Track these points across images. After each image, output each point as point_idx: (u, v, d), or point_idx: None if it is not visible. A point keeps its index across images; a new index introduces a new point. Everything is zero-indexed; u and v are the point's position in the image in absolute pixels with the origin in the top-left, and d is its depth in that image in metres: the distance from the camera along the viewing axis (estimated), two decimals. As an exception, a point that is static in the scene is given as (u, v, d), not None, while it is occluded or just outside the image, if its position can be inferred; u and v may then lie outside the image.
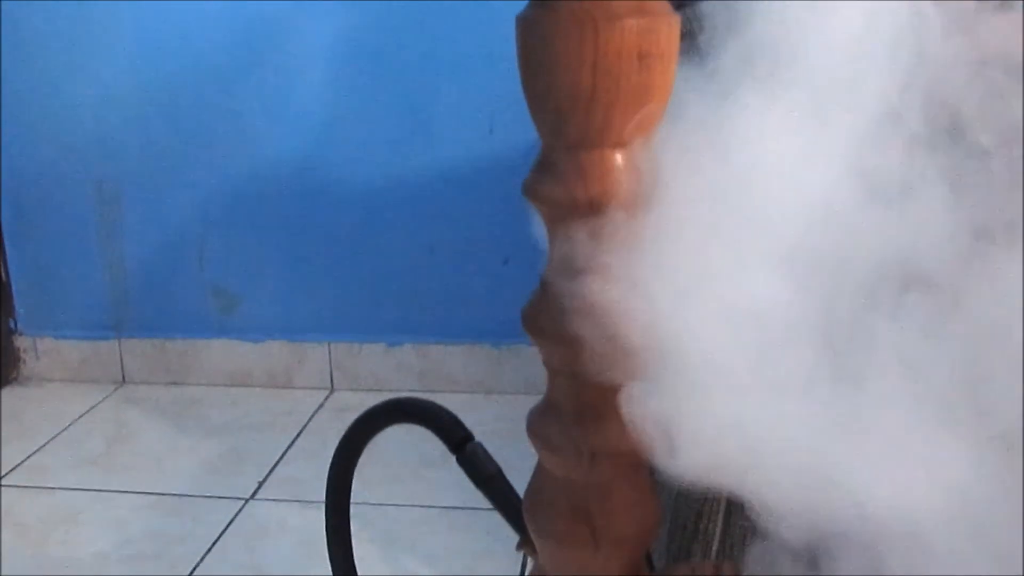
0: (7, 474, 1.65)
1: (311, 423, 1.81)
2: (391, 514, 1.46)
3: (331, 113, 1.86)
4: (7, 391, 2.03)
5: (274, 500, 1.53)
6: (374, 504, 1.47)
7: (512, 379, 1.85)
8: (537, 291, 0.50)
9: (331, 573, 0.80)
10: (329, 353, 1.96)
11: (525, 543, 0.59)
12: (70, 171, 1.97)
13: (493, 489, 0.62)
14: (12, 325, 2.08)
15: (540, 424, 0.53)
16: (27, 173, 1.99)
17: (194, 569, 1.35)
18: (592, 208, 0.46)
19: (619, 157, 0.46)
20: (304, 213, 1.91)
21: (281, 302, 1.96)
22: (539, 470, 0.55)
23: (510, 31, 0.47)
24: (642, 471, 0.52)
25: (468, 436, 0.63)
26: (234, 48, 1.85)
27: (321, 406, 1.88)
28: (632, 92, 0.45)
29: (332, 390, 1.95)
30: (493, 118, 1.80)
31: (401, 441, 1.65)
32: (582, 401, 0.51)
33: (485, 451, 0.63)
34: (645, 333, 0.47)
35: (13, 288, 2.07)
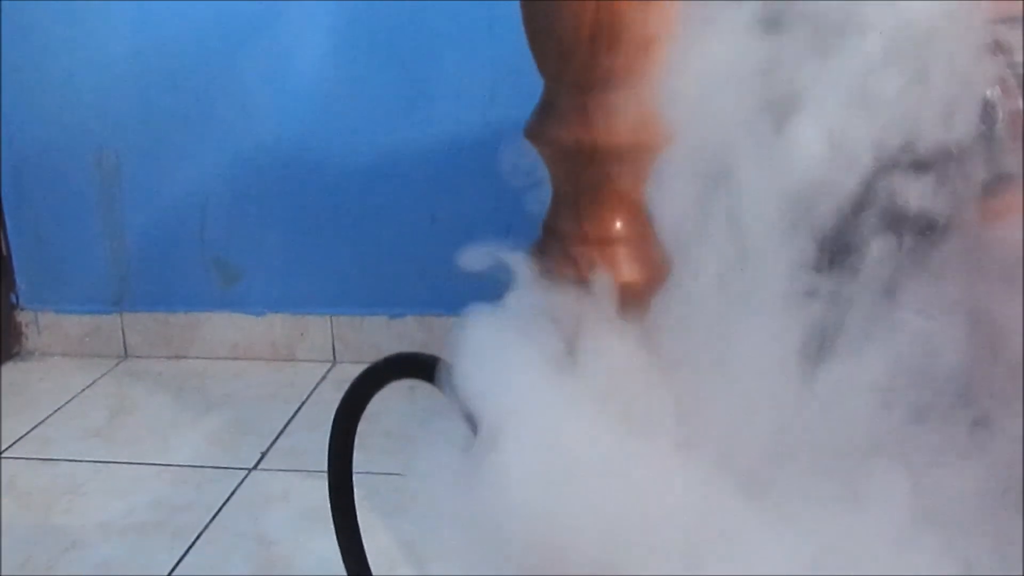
0: (11, 446, 1.65)
1: (313, 395, 1.81)
2: (394, 483, 1.46)
3: (331, 84, 1.85)
4: (9, 366, 2.03)
5: (277, 470, 1.53)
6: (377, 473, 1.47)
7: (514, 350, 1.85)
8: (541, 236, 0.50)
9: (335, 537, 0.80)
10: (331, 326, 1.96)
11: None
12: (69, 143, 1.96)
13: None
14: (13, 299, 2.08)
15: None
16: (26, 146, 1.98)
17: (197, 537, 1.35)
18: (595, 149, 0.45)
19: (623, 98, 0.45)
20: (305, 185, 1.90)
21: (283, 275, 1.96)
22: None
23: (510, -1, 0.47)
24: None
25: (470, 389, 0.62)
26: (233, 19, 1.83)
27: (324, 378, 1.88)
28: (635, 31, 0.44)
29: (334, 363, 1.95)
30: (494, 88, 1.79)
31: (404, 411, 1.66)
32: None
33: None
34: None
35: (14, 262, 2.06)
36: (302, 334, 1.97)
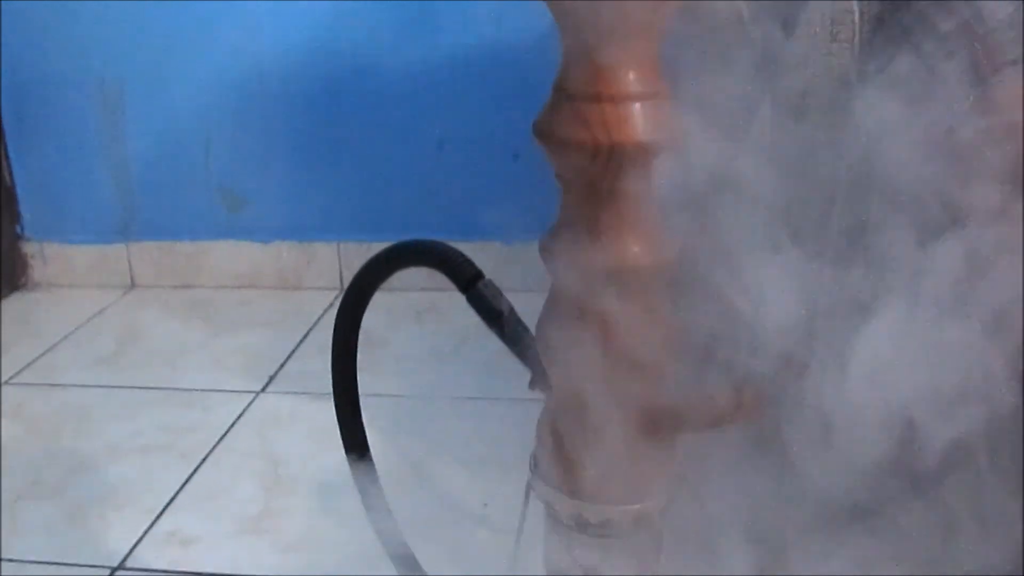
0: (18, 373, 1.64)
1: (321, 321, 1.80)
2: (402, 404, 1.45)
3: (335, 7, 1.81)
4: (16, 297, 2.02)
5: (284, 392, 1.53)
6: (385, 395, 1.46)
7: (523, 276, 1.82)
8: (552, 97, 0.48)
9: (341, 452, 0.79)
10: (338, 252, 1.94)
11: (537, 381, 0.57)
12: (72, 72, 1.93)
13: (504, 326, 0.60)
14: (18, 230, 2.06)
15: (553, 242, 0.51)
16: (28, 75, 1.95)
17: (205, 458, 1.34)
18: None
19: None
20: (310, 110, 1.87)
21: (289, 202, 1.94)
22: (552, 294, 0.53)
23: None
24: (657, 289, 0.50)
25: (478, 274, 0.61)
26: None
27: (331, 305, 1.87)
28: None
29: (342, 289, 1.94)
30: (501, 10, 1.75)
31: (413, 334, 1.65)
32: (596, 215, 0.48)
33: (496, 289, 0.61)
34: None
35: (18, 193, 2.04)
36: (309, 261, 1.96)
